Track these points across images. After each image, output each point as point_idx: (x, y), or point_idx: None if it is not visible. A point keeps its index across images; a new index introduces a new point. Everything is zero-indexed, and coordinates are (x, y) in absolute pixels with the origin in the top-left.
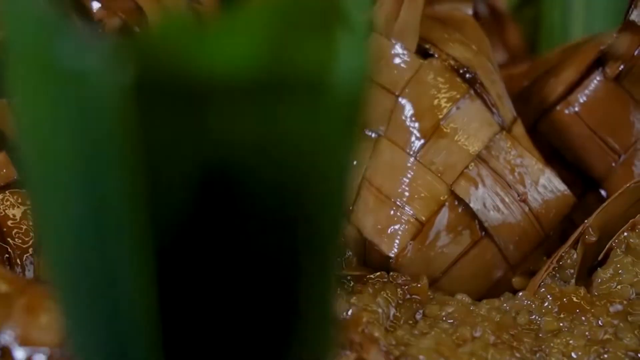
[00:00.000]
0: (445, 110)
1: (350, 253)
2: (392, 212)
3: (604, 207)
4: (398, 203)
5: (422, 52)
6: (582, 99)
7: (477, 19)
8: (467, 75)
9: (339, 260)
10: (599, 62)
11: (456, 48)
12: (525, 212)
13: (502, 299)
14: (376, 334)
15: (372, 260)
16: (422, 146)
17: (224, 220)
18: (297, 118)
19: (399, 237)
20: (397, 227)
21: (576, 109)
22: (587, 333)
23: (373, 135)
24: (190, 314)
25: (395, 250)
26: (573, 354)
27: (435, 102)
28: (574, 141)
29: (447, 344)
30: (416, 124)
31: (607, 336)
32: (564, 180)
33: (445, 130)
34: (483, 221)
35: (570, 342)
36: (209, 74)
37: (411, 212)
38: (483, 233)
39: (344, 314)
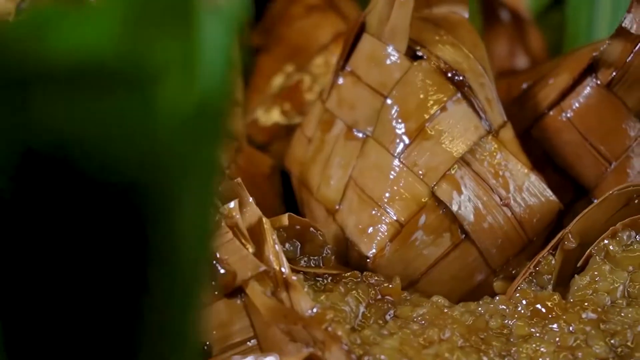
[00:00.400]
0: (431, 112)
1: (329, 251)
2: (373, 213)
3: (585, 213)
4: (379, 204)
5: (413, 54)
6: (574, 105)
7: (499, 24)
8: (456, 78)
9: (200, 275)
10: (592, 68)
11: (447, 51)
12: (508, 217)
13: (480, 302)
14: (339, 333)
15: (352, 259)
16: (406, 147)
17: (46, 207)
18: (130, 111)
19: (378, 237)
20: (376, 227)
21: (568, 115)
22: (557, 339)
23: (361, 135)
24: (27, 314)
25: (374, 250)
26: (532, 356)
27: (422, 103)
28: (565, 147)
29: (412, 345)
30: (402, 125)
31: (577, 343)
32: (556, 186)
33: (429, 132)
34: (464, 224)
35: (540, 347)
36: (37, 61)
37: (391, 213)
38: (464, 236)
39: (310, 311)
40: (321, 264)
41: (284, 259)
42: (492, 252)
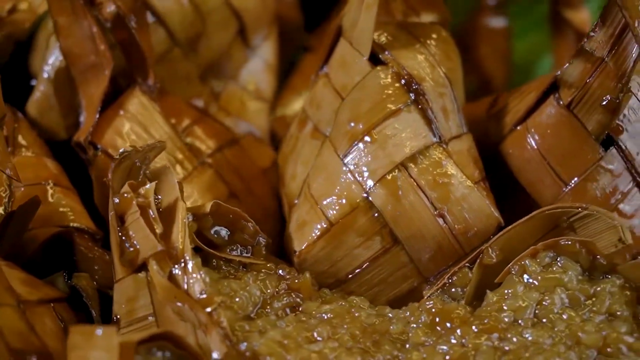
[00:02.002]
0: (380, 117)
1: (262, 242)
2: (310, 210)
3: (507, 230)
4: (317, 202)
5: (378, 59)
6: (537, 123)
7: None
8: (413, 86)
9: None
10: (556, 87)
11: (411, 59)
12: (441, 227)
13: (403, 308)
14: (222, 318)
15: (288, 253)
16: (351, 149)
17: None
18: None
19: (308, 234)
20: (310, 225)
21: (531, 132)
22: (449, 351)
23: (323, 135)
24: None
25: (302, 247)
26: None
27: (374, 108)
28: (526, 165)
29: (295, 339)
30: (351, 128)
31: (467, 357)
32: (519, 202)
33: (375, 136)
34: (395, 230)
35: (427, 357)
36: None
37: (324, 212)
38: (395, 241)
39: (199, 294)
40: (251, 254)
41: (187, 242)
42: (424, 260)
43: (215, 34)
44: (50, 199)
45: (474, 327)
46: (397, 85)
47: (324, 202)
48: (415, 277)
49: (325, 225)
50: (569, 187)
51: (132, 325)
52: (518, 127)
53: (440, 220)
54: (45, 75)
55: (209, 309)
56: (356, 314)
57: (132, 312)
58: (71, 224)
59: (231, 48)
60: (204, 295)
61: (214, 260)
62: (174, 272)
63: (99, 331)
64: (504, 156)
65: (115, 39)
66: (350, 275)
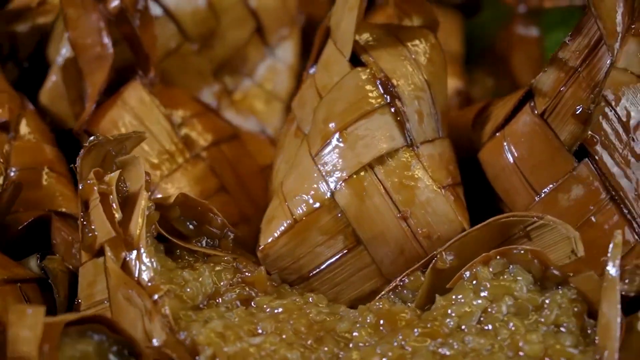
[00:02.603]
0: (353, 118)
1: (231, 236)
2: (278, 206)
3: (461, 237)
4: (286, 198)
5: (359, 61)
6: (512, 131)
7: None
8: (389, 89)
9: None
10: (531, 95)
11: (391, 62)
12: (404, 230)
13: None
14: (166, 306)
15: (257, 248)
16: (322, 148)
17: None
18: None
19: (274, 230)
20: (277, 220)
21: (506, 140)
22: (389, 352)
23: (304, 134)
24: None
25: (267, 241)
26: None
27: (348, 108)
28: (500, 173)
29: (236, 331)
30: (325, 127)
31: (407, 358)
32: (497, 211)
33: (346, 136)
34: (357, 230)
35: (365, 357)
36: None
37: (290, 208)
38: (358, 242)
39: (147, 282)
40: (219, 246)
41: (144, 230)
42: (386, 262)
43: (230, 32)
44: (43, 183)
45: (416, 331)
46: (373, 86)
47: (292, 199)
48: (377, 278)
49: (289, 222)
50: (541, 197)
51: (90, 308)
52: (497, 134)
53: (403, 223)
54: (57, 65)
55: (155, 296)
56: (307, 311)
57: (91, 296)
58: (57, 209)
59: (247, 46)
60: (152, 283)
61: (177, 250)
62: (127, 258)
63: (29, 311)
64: (482, 163)
65: (119, 33)
66: (312, 273)
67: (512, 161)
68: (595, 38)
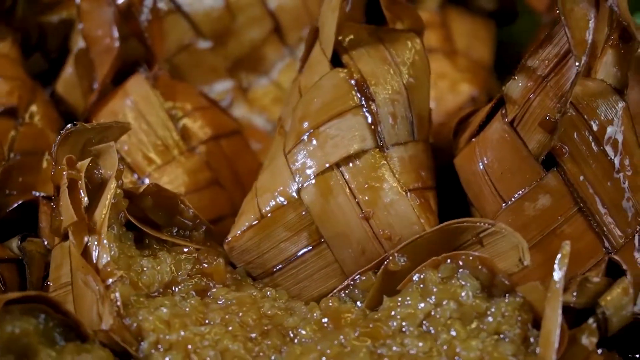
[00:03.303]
0: (326, 117)
1: (203, 228)
2: (250, 201)
3: (414, 239)
4: (256, 194)
5: (341, 62)
6: (484, 137)
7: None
8: (364, 90)
9: None
10: (503, 102)
11: (370, 63)
12: (366, 230)
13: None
14: (117, 292)
15: None
16: (294, 146)
17: None
18: None
19: (242, 224)
20: (246, 215)
21: (479, 146)
22: (327, 350)
23: (285, 131)
24: None
25: (234, 235)
26: None
27: (323, 108)
28: (471, 179)
29: (183, 320)
30: (300, 125)
31: (344, 356)
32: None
33: (318, 135)
34: (320, 228)
35: (302, 352)
36: None
37: (259, 204)
38: (322, 240)
39: (102, 266)
40: (189, 237)
41: (107, 217)
42: (348, 261)
43: (246, 31)
44: (42, 169)
45: (357, 330)
46: (348, 87)
47: (262, 195)
48: (339, 277)
49: (256, 217)
50: (507, 205)
51: (56, 291)
52: (473, 140)
53: (365, 224)
54: (73, 56)
55: (109, 281)
56: (260, 305)
57: (58, 278)
58: (49, 194)
59: (264, 45)
60: (108, 268)
61: (147, 239)
62: (88, 243)
63: None
64: (457, 169)
65: (127, 28)
66: (276, 268)
67: (482, 167)
68: (565, 48)
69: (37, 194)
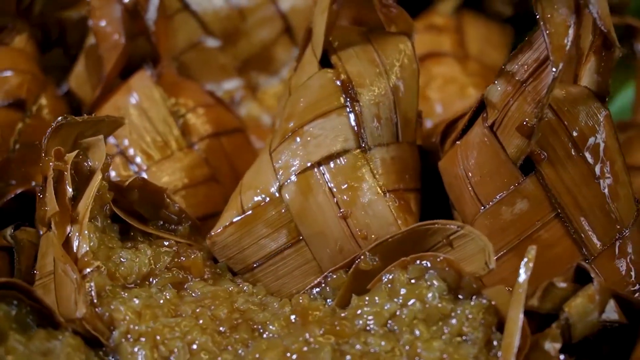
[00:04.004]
0: (311, 117)
1: (188, 223)
2: (234, 198)
3: (386, 239)
4: (241, 191)
5: (330, 63)
6: (466, 141)
7: None
8: (349, 91)
9: None
10: (484, 106)
11: (357, 65)
12: (343, 229)
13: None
14: (92, 282)
15: None
16: (279, 144)
17: None
18: None
19: (225, 220)
20: (229, 211)
21: (461, 150)
22: (292, 345)
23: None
24: None
25: (217, 230)
26: (257, 355)
27: (308, 108)
28: (453, 182)
29: (154, 311)
30: (285, 124)
31: (304, 354)
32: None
33: (302, 134)
34: (299, 226)
35: (267, 347)
36: None
37: (242, 200)
38: (300, 237)
39: (81, 256)
40: (175, 231)
41: (89, 207)
42: (325, 259)
43: (257, 31)
44: None
45: (323, 328)
46: (334, 88)
47: (246, 192)
48: (317, 274)
49: (238, 212)
50: (485, 209)
51: (41, 279)
52: (457, 143)
53: (343, 223)
54: (85, 51)
55: (87, 271)
56: (235, 299)
57: (43, 266)
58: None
59: (275, 45)
60: (85, 258)
61: (132, 231)
62: (70, 233)
63: None
64: (440, 172)
65: (134, 25)
66: (256, 264)
67: (462, 171)
68: (544, 53)
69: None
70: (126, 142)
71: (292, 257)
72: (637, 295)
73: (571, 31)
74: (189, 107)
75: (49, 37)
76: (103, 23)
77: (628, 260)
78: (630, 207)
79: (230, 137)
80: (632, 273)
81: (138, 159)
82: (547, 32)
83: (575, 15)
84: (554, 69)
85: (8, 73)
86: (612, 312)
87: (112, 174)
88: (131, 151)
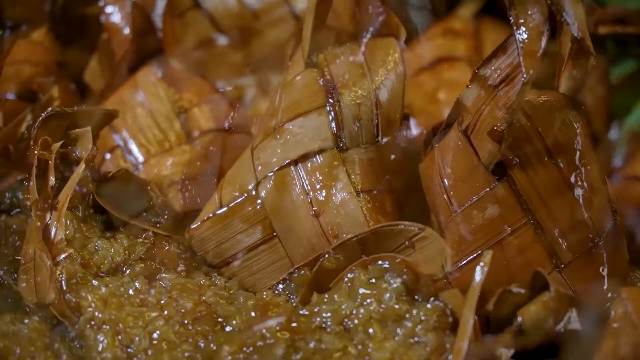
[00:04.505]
0: (292, 115)
1: (172, 215)
2: (216, 193)
3: (349, 239)
4: (222, 186)
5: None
6: (442, 144)
7: None
8: (331, 91)
9: None
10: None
11: (342, 65)
12: (315, 227)
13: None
14: (62, 269)
15: None
16: (261, 142)
17: None
18: None
19: (204, 215)
20: (209, 206)
21: (438, 153)
22: (248, 340)
23: None
24: None
25: (196, 224)
26: (214, 347)
27: (290, 105)
28: (430, 185)
29: (120, 300)
30: (269, 122)
31: (259, 347)
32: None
33: (282, 132)
34: (273, 222)
35: (224, 340)
36: None
37: (222, 195)
38: (275, 234)
39: (57, 243)
40: (159, 222)
41: (69, 196)
42: (297, 256)
43: (270, 31)
44: None
45: (277, 322)
46: (318, 87)
47: (226, 187)
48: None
49: (216, 207)
50: (457, 212)
51: (25, 264)
52: (436, 146)
53: (315, 221)
54: (99, 46)
55: (61, 257)
56: (204, 292)
57: (27, 252)
58: None
59: (288, 45)
60: (59, 246)
61: (115, 221)
62: (49, 221)
63: None
64: (420, 174)
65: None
66: (232, 259)
67: (438, 174)
68: (518, 59)
69: None
70: (126, 134)
71: (266, 253)
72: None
73: (544, 37)
74: (194, 102)
75: (71, 32)
76: (114, 18)
77: (601, 270)
78: (605, 217)
79: (232, 135)
80: (605, 282)
81: (137, 152)
82: (520, 37)
83: (548, 22)
84: (524, 75)
85: (22, 65)
86: (574, 322)
87: (111, 166)
88: (131, 144)
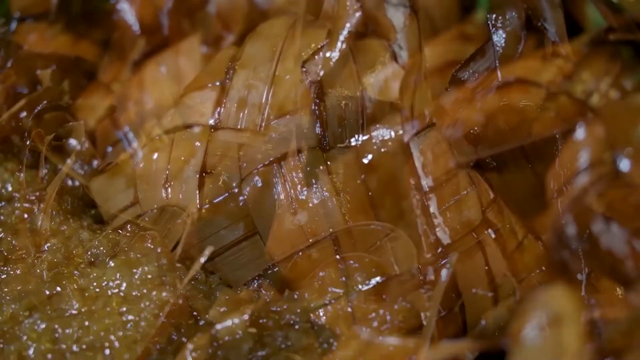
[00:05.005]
0: (280, 114)
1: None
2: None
3: (324, 237)
4: (206, 180)
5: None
6: (424, 146)
7: None
8: (318, 91)
9: None
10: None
11: (330, 66)
12: (294, 223)
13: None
14: (42, 255)
15: None
16: (247, 138)
17: None
18: None
19: (191, 209)
20: (192, 202)
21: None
22: (216, 333)
23: None
24: None
25: (182, 219)
26: (185, 340)
27: (278, 103)
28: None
29: (99, 291)
30: (255, 118)
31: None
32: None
33: (269, 130)
34: (254, 219)
35: (195, 331)
36: None
37: (200, 192)
38: (256, 231)
39: (43, 232)
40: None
41: (56, 188)
42: (276, 253)
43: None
44: None
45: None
46: (305, 89)
47: (207, 183)
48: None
49: (203, 204)
50: (436, 213)
51: (17, 252)
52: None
53: (294, 219)
54: (112, 42)
55: (44, 248)
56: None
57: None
58: None
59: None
60: (43, 233)
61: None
62: (36, 212)
63: None
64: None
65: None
66: (218, 254)
67: (415, 172)
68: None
69: None
70: (128, 129)
71: (247, 250)
72: None
73: (521, 43)
74: (194, 97)
75: (82, 26)
76: (125, 14)
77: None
78: None
79: (217, 130)
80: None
81: (138, 147)
82: (497, 41)
83: (526, 28)
84: (499, 79)
85: (35, 58)
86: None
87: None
88: (133, 139)
